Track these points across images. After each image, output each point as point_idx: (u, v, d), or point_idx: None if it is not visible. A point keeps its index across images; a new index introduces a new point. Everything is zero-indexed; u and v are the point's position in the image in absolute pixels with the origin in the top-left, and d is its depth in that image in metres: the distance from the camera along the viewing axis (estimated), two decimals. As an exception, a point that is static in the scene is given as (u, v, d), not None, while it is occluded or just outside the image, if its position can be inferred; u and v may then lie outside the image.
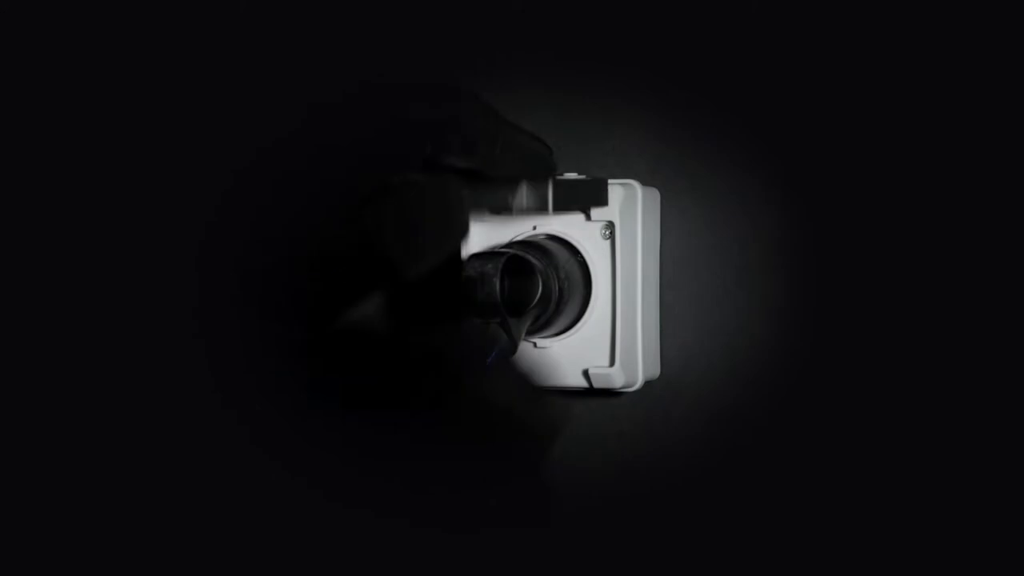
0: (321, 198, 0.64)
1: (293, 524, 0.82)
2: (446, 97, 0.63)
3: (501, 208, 0.63)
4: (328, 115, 0.65)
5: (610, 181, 0.71)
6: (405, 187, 0.60)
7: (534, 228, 0.73)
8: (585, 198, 0.69)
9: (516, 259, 0.67)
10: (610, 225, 0.71)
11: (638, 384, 0.72)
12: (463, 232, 0.63)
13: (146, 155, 0.84)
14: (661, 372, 0.75)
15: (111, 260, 0.85)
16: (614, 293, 0.72)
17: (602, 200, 0.70)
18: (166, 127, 0.83)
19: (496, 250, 0.68)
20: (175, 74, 0.83)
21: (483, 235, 0.73)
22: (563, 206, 0.69)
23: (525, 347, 0.71)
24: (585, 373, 0.72)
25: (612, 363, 0.71)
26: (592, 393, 0.73)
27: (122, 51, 0.83)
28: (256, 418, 0.83)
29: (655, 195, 0.74)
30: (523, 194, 0.64)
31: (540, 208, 0.64)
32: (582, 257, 0.72)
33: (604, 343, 0.72)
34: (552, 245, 0.71)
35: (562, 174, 0.73)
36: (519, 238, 0.72)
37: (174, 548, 0.83)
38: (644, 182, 0.72)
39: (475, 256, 0.67)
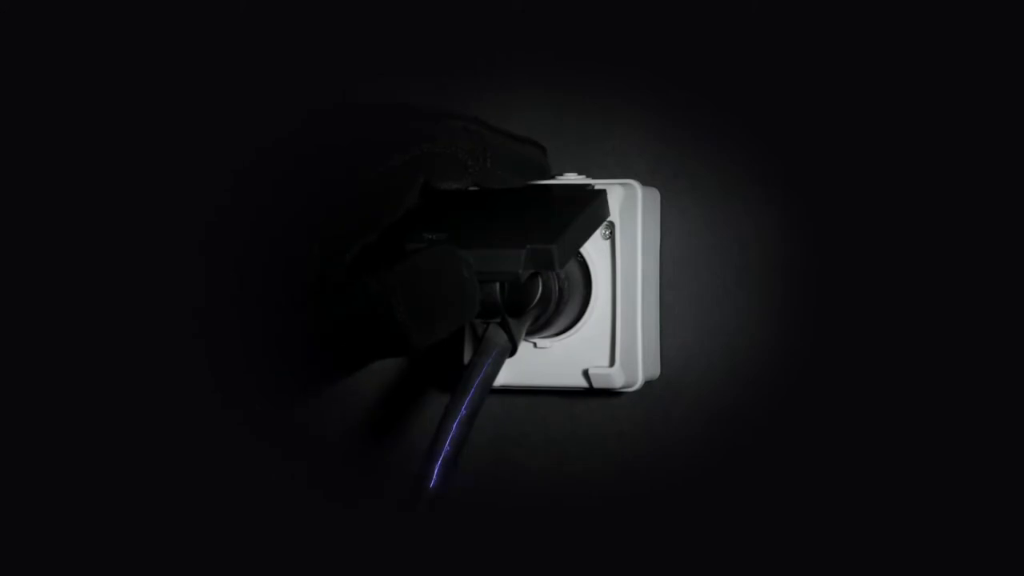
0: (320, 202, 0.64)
1: (293, 522, 0.82)
2: (430, 120, 0.62)
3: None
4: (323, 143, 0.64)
5: (610, 181, 0.71)
6: (419, 258, 0.60)
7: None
8: (587, 229, 0.69)
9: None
10: (610, 225, 0.71)
11: (638, 384, 0.72)
12: (472, 308, 0.63)
13: (145, 156, 0.84)
14: (661, 372, 0.75)
15: (111, 260, 0.85)
16: (614, 293, 0.72)
17: (604, 214, 0.70)
18: (166, 127, 0.83)
19: None
20: (175, 75, 0.83)
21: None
22: (570, 257, 0.69)
23: (525, 347, 0.71)
24: (585, 373, 0.72)
25: (612, 363, 0.71)
26: (592, 393, 0.73)
27: (122, 51, 0.83)
28: (256, 418, 0.83)
29: (655, 195, 0.74)
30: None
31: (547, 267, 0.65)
32: (582, 257, 0.72)
33: (604, 343, 0.72)
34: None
35: (561, 174, 0.73)
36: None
37: (174, 546, 0.83)
38: (644, 182, 0.72)
39: None
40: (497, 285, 0.65)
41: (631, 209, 0.72)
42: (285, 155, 0.71)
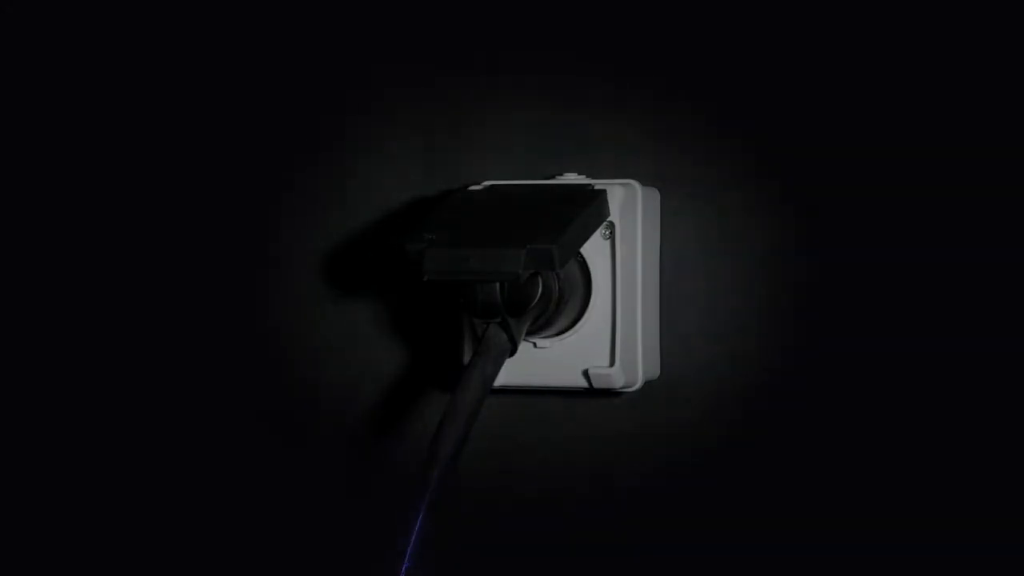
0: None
1: (292, 522, 0.82)
2: None
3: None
4: None
5: (610, 181, 0.71)
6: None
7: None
8: (587, 229, 0.69)
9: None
10: (610, 225, 0.71)
11: (638, 384, 0.72)
12: None
13: (146, 155, 0.84)
14: (661, 372, 0.75)
15: (112, 261, 0.85)
16: (614, 293, 0.72)
17: (604, 214, 0.70)
18: (167, 127, 0.83)
19: None
20: (175, 75, 0.82)
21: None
22: (570, 257, 0.69)
23: (525, 347, 0.71)
24: (585, 373, 0.72)
25: (612, 363, 0.71)
26: (592, 393, 0.73)
27: (122, 51, 0.83)
28: (255, 418, 0.83)
29: (655, 195, 0.74)
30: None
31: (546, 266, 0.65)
32: (582, 257, 0.72)
33: (604, 343, 0.72)
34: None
35: (561, 174, 0.73)
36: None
37: (174, 545, 0.83)
38: (644, 182, 0.72)
39: None
40: (497, 285, 0.65)
41: (631, 209, 0.71)
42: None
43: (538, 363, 0.72)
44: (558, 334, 0.72)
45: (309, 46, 0.80)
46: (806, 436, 0.73)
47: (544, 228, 0.65)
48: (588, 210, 0.68)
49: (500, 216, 0.69)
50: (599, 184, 0.71)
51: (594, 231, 0.70)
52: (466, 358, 0.73)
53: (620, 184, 0.71)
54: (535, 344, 0.72)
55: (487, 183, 0.73)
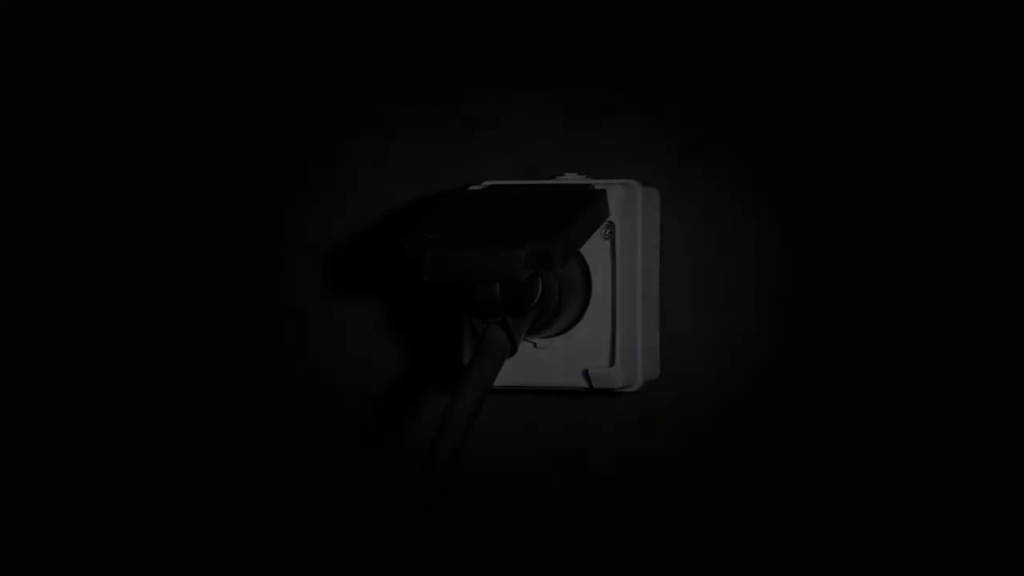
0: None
1: (292, 522, 0.82)
2: None
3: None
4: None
5: (610, 181, 0.71)
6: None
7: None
8: (587, 229, 0.69)
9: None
10: (610, 225, 0.71)
11: (638, 384, 0.72)
12: None
13: (147, 156, 0.84)
14: (661, 372, 0.75)
15: (113, 260, 0.85)
16: (614, 293, 0.72)
17: (604, 214, 0.70)
18: (166, 129, 0.83)
19: None
20: (175, 76, 0.82)
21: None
22: (570, 257, 0.69)
23: (525, 347, 0.71)
24: (585, 373, 0.72)
25: (612, 363, 0.71)
26: (592, 393, 0.73)
27: (122, 51, 0.83)
28: (254, 417, 0.83)
29: (655, 195, 0.74)
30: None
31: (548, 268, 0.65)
32: (582, 257, 0.72)
33: (604, 343, 0.72)
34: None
35: (561, 174, 0.73)
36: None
37: (173, 545, 0.83)
38: (644, 182, 0.72)
39: None
40: (497, 285, 0.65)
41: (631, 209, 0.71)
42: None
43: (538, 363, 0.72)
44: (558, 334, 0.72)
45: (310, 46, 0.80)
46: (806, 436, 0.73)
47: (544, 228, 0.65)
48: (588, 210, 0.68)
49: (500, 216, 0.69)
50: (599, 184, 0.71)
51: (594, 231, 0.70)
52: (466, 358, 0.73)
53: (620, 184, 0.71)
54: (535, 344, 0.72)
55: (487, 183, 0.73)
